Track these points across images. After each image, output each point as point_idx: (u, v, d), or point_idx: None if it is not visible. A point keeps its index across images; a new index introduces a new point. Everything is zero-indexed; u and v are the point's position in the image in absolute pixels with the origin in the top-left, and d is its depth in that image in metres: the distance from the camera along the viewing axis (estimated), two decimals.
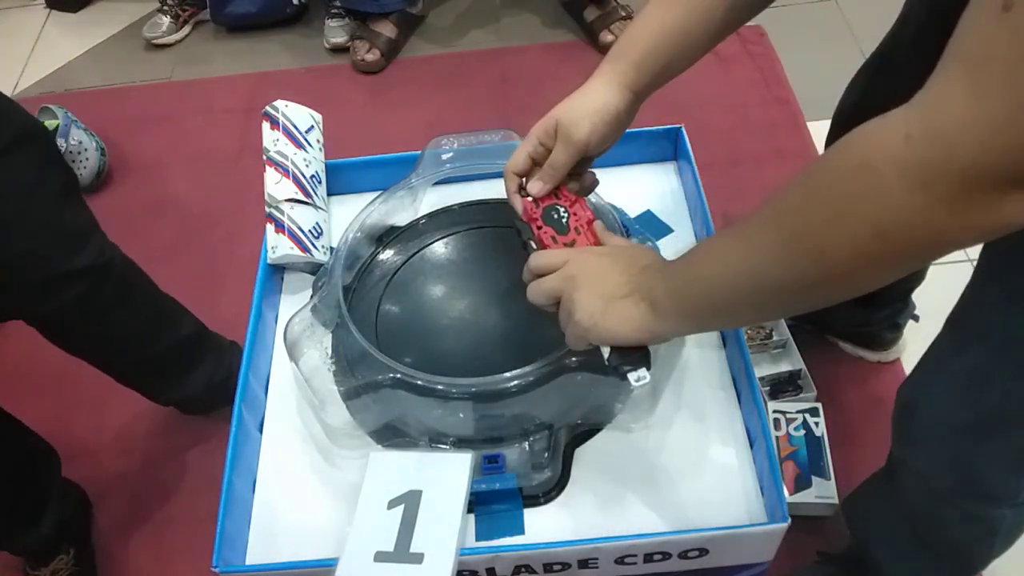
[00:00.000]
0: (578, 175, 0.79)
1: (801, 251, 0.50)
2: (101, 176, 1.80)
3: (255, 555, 0.78)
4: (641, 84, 0.73)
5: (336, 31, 2.02)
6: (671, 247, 0.94)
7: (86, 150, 1.76)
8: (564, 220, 0.75)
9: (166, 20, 2.14)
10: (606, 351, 0.67)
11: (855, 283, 0.50)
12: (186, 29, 2.17)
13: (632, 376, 0.66)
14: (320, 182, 1.00)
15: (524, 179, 0.77)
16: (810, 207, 0.49)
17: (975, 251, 0.66)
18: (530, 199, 0.76)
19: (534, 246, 0.75)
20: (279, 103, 1.00)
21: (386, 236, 0.94)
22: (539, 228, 0.75)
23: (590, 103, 0.73)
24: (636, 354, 0.66)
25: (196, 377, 1.26)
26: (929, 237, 0.44)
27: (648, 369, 0.66)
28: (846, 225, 0.46)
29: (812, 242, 0.49)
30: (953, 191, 0.42)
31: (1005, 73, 0.39)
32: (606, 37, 1.90)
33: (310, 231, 0.95)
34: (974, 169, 0.41)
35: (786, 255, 0.51)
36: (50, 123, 1.73)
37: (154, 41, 2.14)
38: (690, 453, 0.80)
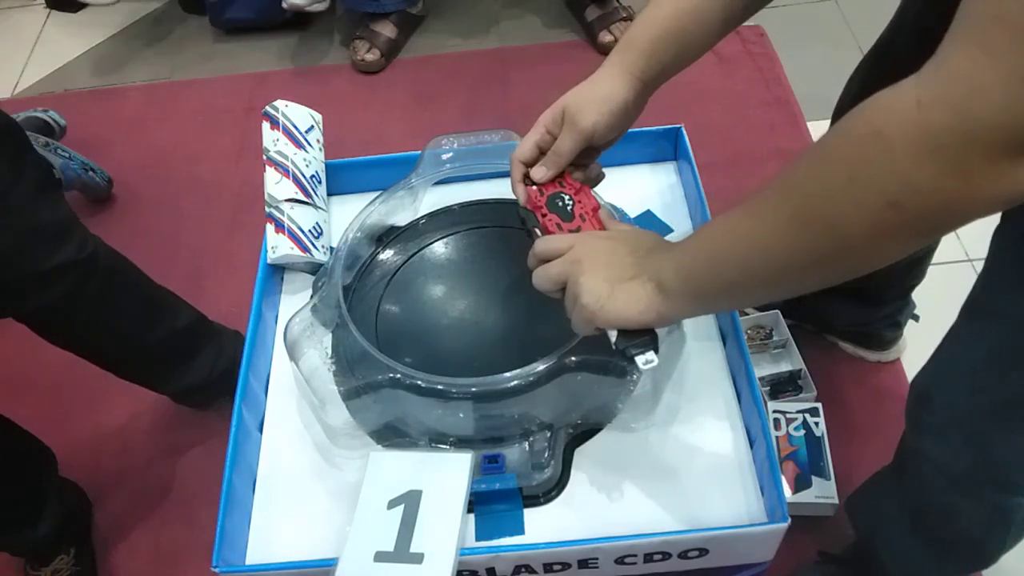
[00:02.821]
0: (584, 166, 0.78)
1: (813, 224, 0.49)
2: (110, 194, 1.80)
3: (255, 555, 0.78)
4: (651, 74, 0.73)
5: None
6: None
7: (94, 191, 1.75)
8: (569, 208, 0.75)
9: None
10: (613, 335, 0.66)
11: (868, 256, 0.49)
12: None
13: (640, 359, 0.65)
14: (320, 182, 1.00)
15: (530, 169, 0.77)
16: (822, 178, 0.48)
17: (975, 251, 0.66)
18: (535, 187, 0.76)
19: (539, 233, 0.74)
20: (279, 103, 1.00)
21: (386, 236, 0.94)
22: (543, 215, 0.75)
23: (598, 91, 0.73)
24: (644, 337, 0.65)
25: (198, 366, 1.26)
26: (941, 206, 0.43)
27: (656, 352, 0.65)
28: (858, 195, 0.46)
29: (824, 214, 0.48)
30: (964, 157, 0.41)
31: (1016, 33, 0.38)
32: (605, 37, 1.90)
33: (310, 231, 0.95)
34: (985, 134, 0.40)
35: (797, 229, 0.50)
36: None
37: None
38: (690, 453, 0.80)
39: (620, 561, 0.75)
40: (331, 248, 0.98)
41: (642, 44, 0.72)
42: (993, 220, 0.64)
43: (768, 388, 1.30)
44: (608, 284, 0.64)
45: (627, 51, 0.73)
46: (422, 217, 0.96)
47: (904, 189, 0.43)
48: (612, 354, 0.67)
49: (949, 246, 1.43)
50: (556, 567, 0.75)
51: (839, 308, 1.29)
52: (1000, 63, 0.39)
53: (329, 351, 0.85)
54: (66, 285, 1.01)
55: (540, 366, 0.75)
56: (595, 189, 0.84)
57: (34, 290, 0.98)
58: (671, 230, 0.97)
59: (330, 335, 0.86)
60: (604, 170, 0.81)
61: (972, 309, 0.71)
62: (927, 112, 0.42)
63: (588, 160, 0.79)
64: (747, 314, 1.37)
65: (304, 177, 0.97)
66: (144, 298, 1.18)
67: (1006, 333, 0.67)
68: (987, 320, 0.69)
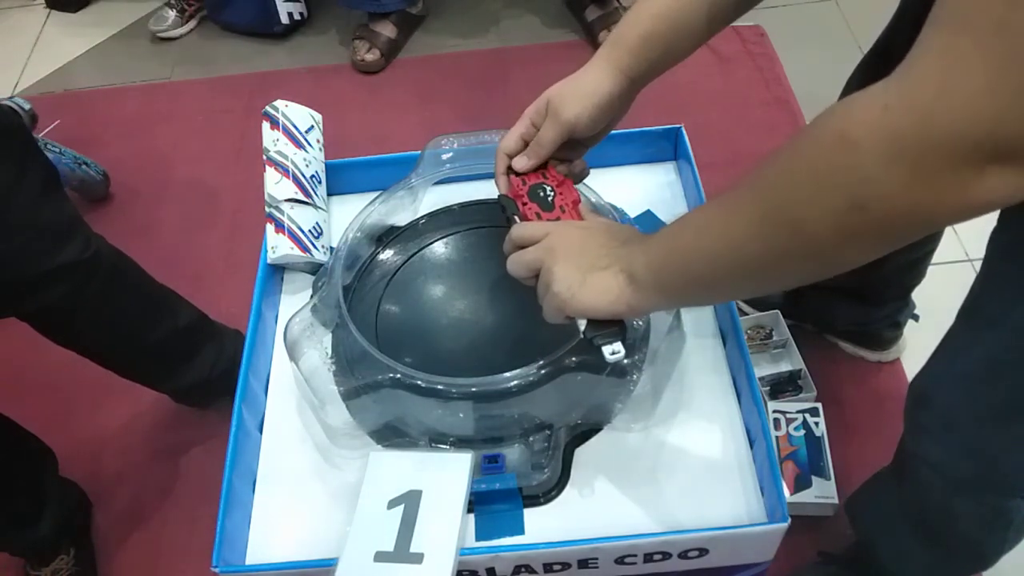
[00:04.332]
0: (568, 160, 0.78)
1: (778, 225, 0.49)
2: (107, 192, 1.80)
3: (255, 555, 0.78)
4: (637, 70, 0.73)
5: None
6: None
7: (91, 187, 1.75)
8: (550, 199, 0.75)
9: (172, 14, 2.15)
10: (582, 324, 0.66)
11: (834, 257, 0.48)
12: (192, 23, 2.18)
13: (607, 350, 0.65)
14: (320, 182, 1.00)
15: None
16: (788, 180, 0.48)
17: (975, 251, 0.66)
18: (518, 177, 0.76)
19: (518, 221, 0.74)
20: (279, 103, 1.00)
21: (386, 236, 0.94)
22: (524, 204, 0.75)
23: (583, 85, 0.73)
24: (612, 327, 0.65)
25: (198, 365, 1.26)
26: (906, 211, 0.43)
27: (624, 343, 0.65)
28: (824, 198, 0.45)
29: (790, 215, 0.48)
30: (929, 163, 0.41)
31: (982, 40, 0.38)
32: (604, 38, 1.90)
33: (310, 231, 0.95)
34: (950, 140, 0.40)
35: (764, 229, 0.50)
36: None
37: (159, 34, 2.15)
38: (690, 453, 0.80)
39: (620, 561, 0.75)
40: (331, 248, 0.98)
41: (630, 40, 0.72)
42: (993, 220, 0.64)
43: (768, 388, 1.30)
44: (580, 273, 0.64)
45: (615, 47, 0.73)
46: (422, 217, 0.96)
47: (869, 192, 0.43)
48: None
49: (949, 246, 1.43)
50: (556, 567, 0.75)
51: (839, 308, 1.29)
52: (966, 68, 0.39)
53: (329, 351, 0.85)
54: (69, 285, 1.01)
55: (540, 366, 0.75)
56: (596, 190, 0.84)
57: (37, 290, 0.98)
58: None
59: (330, 335, 0.86)
60: (605, 170, 0.81)
61: (969, 313, 0.71)
62: (893, 116, 0.41)
63: (574, 155, 0.79)
64: (747, 314, 1.37)
65: (304, 177, 0.97)
66: (145, 297, 1.18)
67: (1003, 338, 0.67)
68: (984, 325, 0.69)
